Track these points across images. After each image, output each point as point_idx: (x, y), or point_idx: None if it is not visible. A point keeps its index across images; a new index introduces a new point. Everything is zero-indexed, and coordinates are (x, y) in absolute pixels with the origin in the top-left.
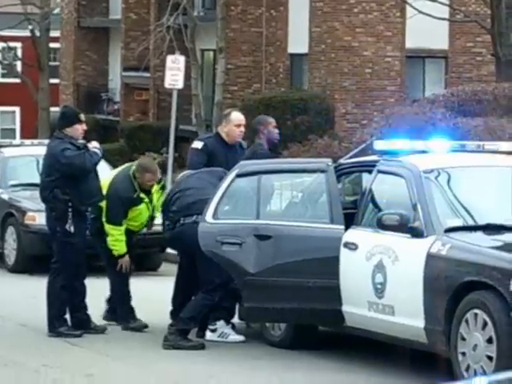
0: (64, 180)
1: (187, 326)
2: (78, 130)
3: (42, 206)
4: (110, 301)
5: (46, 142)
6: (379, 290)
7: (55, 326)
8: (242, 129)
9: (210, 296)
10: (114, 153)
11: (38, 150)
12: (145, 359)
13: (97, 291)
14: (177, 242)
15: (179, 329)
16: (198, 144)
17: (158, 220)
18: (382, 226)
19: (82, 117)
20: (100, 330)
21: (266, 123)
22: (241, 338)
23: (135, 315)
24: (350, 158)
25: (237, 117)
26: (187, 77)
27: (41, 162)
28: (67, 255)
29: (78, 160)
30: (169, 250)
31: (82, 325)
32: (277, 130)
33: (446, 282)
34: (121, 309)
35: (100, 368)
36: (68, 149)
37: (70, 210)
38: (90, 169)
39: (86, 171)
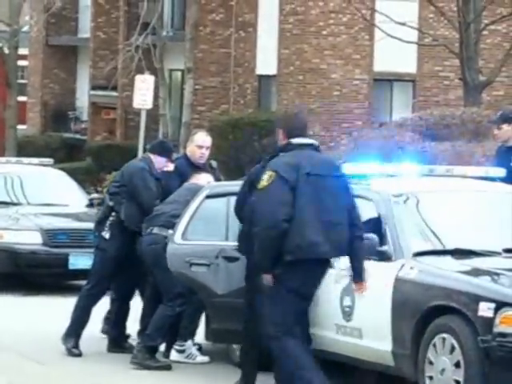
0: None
1: (154, 342)
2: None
3: (10, 224)
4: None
5: (14, 160)
6: (347, 313)
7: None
8: (204, 151)
9: (170, 306)
10: (81, 172)
11: (5, 167)
12: (112, 380)
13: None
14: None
15: (146, 346)
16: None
17: None
18: None
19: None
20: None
21: None
22: (206, 358)
23: None
24: None
25: (200, 137)
26: (155, 96)
27: (8, 179)
28: (95, 263)
29: (148, 193)
30: None
31: (117, 344)
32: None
33: (414, 305)
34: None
35: None
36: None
37: (111, 217)
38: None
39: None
